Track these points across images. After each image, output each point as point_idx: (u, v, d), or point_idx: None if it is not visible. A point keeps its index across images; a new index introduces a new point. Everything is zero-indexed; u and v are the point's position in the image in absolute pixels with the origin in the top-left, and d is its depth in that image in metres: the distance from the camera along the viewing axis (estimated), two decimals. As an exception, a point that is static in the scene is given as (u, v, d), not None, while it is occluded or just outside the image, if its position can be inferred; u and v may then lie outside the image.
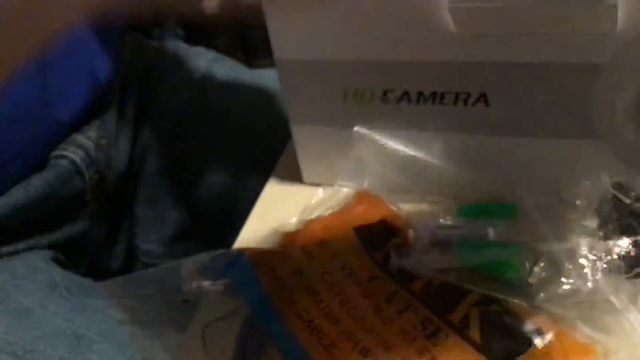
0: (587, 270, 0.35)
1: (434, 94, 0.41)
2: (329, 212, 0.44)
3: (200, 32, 1.07)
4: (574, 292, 0.34)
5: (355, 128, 0.44)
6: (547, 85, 0.39)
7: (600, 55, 0.37)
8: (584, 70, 0.37)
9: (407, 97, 0.42)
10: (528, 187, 0.40)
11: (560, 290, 0.35)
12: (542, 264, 0.36)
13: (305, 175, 0.49)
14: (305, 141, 0.47)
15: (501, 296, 0.35)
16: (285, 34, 0.41)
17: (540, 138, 0.41)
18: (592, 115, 0.39)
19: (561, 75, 0.38)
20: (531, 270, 0.36)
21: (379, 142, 0.44)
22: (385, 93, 0.42)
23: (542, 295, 0.35)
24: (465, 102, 0.41)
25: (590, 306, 0.35)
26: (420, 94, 0.41)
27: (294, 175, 0.49)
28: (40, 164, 0.60)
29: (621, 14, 0.35)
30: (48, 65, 0.59)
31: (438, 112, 0.42)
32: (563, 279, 0.35)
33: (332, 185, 0.46)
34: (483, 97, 0.41)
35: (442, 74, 0.40)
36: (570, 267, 0.35)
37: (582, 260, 0.35)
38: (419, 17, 0.38)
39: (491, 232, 0.38)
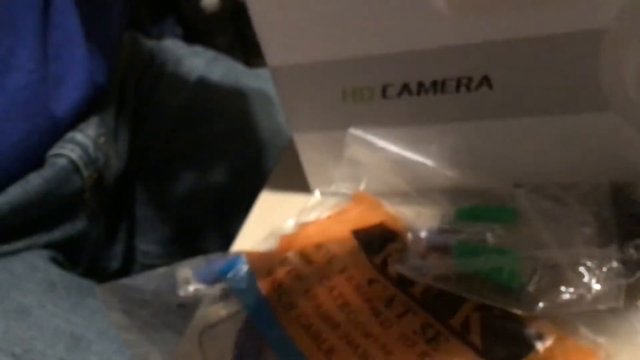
0: (587, 279, 0.34)
1: (434, 83, 0.40)
2: (327, 214, 0.44)
3: (199, 31, 1.08)
4: (574, 301, 0.34)
5: (350, 129, 0.43)
6: (551, 59, 0.38)
7: (602, 19, 0.35)
8: (588, 37, 0.36)
9: (408, 89, 0.41)
10: (528, 190, 0.39)
11: (560, 300, 0.34)
12: (542, 272, 0.35)
13: (312, 182, 0.48)
14: (309, 148, 0.46)
15: (500, 305, 0.35)
16: (277, 38, 0.41)
17: (547, 116, 0.40)
18: (600, 84, 0.38)
19: (565, 46, 0.37)
20: (531, 278, 0.36)
21: (374, 143, 0.43)
22: (384, 88, 0.41)
23: (541, 304, 0.35)
24: (468, 88, 0.40)
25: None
26: (420, 84, 0.41)
27: (292, 178, 0.49)
28: (36, 160, 0.60)
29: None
30: (47, 57, 0.59)
31: (440, 102, 0.41)
32: (563, 288, 0.34)
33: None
34: (486, 80, 0.39)
35: (441, 60, 0.39)
36: (571, 275, 0.35)
37: (582, 268, 0.34)
38: (412, 4, 0.37)
39: (490, 237, 0.38)
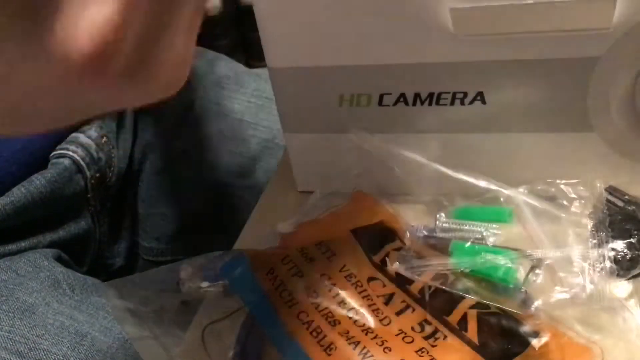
0: (582, 278, 0.35)
1: (430, 95, 0.41)
2: (326, 213, 0.44)
3: (201, 33, 1.08)
4: (569, 300, 0.35)
5: (352, 131, 0.44)
6: (544, 81, 0.39)
7: (595, 49, 0.37)
8: (580, 65, 0.38)
9: (404, 99, 0.42)
10: (524, 190, 0.40)
11: (555, 298, 0.35)
12: (537, 271, 0.36)
13: (300, 183, 0.49)
14: (300, 150, 0.47)
15: (496, 304, 0.36)
16: (280, 41, 0.41)
17: (536, 133, 0.42)
18: (587, 107, 0.39)
19: (558, 70, 0.38)
20: (526, 277, 0.36)
21: (375, 143, 0.44)
22: (381, 97, 0.42)
23: (537, 303, 0.35)
24: (462, 102, 0.41)
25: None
26: (417, 95, 0.42)
27: (293, 178, 0.49)
28: (40, 163, 0.61)
29: (616, 7, 0.35)
30: None
31: (435, 113, 0.42)
32: (558, 287, 0.35)
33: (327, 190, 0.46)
34: (480, 96, 0.41)
35: (439, 75, 0.40)
36: (566, 275, 0.35)
37: (577, 268, 0.35)
38: (416, 20, 0.38)
39: (487, 237, 0.38)
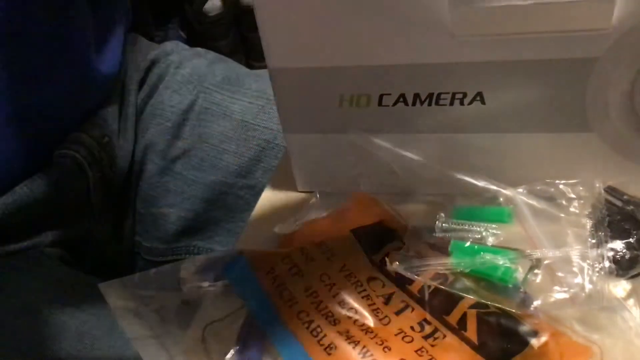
0: (581, 278, 0.35)
1: (430, 95, 0.41)
2: (326, 213, 0.44)
3: (202, 35, 1.08)
4: (568, 299, 0.35)
5: (352, 130, 0.44)
6: (543, 81, 0.39)
7: (595, 49, 0.37)
8: (579, 65, 0.38)
9: (404, 100, 0.42)
10: (523, 191, 0.40)
11: (554, 298, 0.35)
12: (536, 271, 0.36)
13: (300, 183, 0.49)
14: (300, 150, 0.47)
15: (496, 303, 0.36)
16: (280, 42, 0.42)
17: (535, 133, 0.42)
18: (586, 108, 0.39)
19: (557, 71, 0.38)
20: (525, 277, 0.36)
21: (375, 143, 0.44)
22: (381, 97, 0.42)
23: (536, 302, 0.35)
24: (462, 102, 0.41)
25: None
26: (416, 96, 0.42)
27: (293, 178, 0.49)
28: (43, 162, 0.61)
29: (615, 7, 0.35)
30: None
31: (434, 113, 0.42)
32: (557, 287, 0.35)
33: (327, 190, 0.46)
34: (479, 96, 0.41)
35: (439, 75, 0.41)
36: (565, 275, 0.35)
37: (576, 268, 0.35)
38: (416, 20, 0.38)
39: (486, 237, 0.38)
